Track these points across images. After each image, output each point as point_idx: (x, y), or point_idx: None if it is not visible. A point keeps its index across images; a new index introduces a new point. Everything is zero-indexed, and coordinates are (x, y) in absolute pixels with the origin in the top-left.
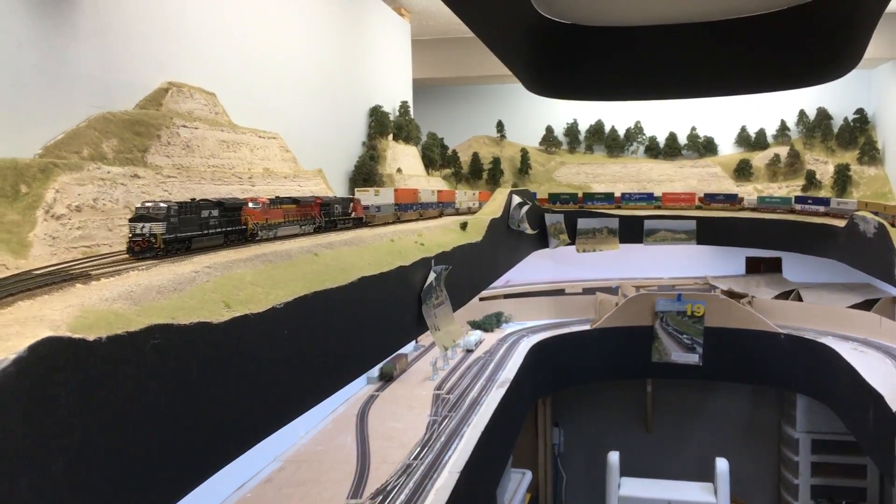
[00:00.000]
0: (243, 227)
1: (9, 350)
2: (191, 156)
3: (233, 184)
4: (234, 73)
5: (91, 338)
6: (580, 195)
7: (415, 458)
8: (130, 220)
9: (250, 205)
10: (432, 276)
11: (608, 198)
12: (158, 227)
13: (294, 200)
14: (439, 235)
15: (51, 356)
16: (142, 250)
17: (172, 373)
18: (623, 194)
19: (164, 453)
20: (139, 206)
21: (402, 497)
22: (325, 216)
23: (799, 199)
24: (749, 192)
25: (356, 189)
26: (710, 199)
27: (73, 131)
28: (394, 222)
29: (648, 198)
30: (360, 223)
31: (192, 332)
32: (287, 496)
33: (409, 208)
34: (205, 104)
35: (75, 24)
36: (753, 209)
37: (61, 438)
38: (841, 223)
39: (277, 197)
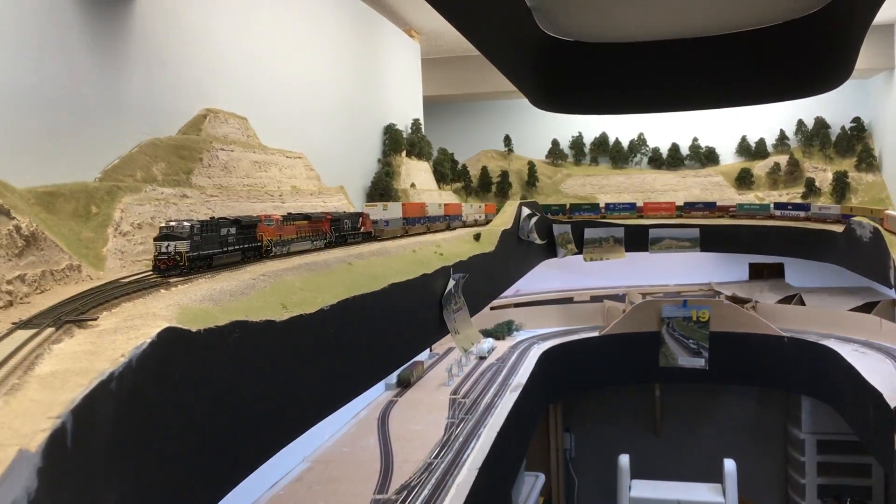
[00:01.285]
0: (258, 243)
1: (143, 336)
2: (228, 176)
3: (265, 201)
4: (263, 97)
5: (193, 329)
6: (568, 206)
7: (435, 457)
8: (156, 240)
9: (264, 222)
10: (451, 283)
11: (594, 208)
12: (183, 246)
13: (306, 216)
14: (456, 246)
15: (169, 341)
16: (167, 268)
17: (247, 361)
18: (607, 204)
19: (243, 425)
20: (163, 225)
21: (425, 493)
22: (336, 231)
23: (778, 206)
24: (750, 200)
25: (365, 204)
26: (689, 207)
27: (127, 156)
28: (402, 236)
29: (630, 207)
30: (368, 237)
31: (260, 328)
32: (317, 493)
33: (416, 222)
34: (238, 128)
35: (126, 60)
36: (733, 215)
37: (175, 403)
38: (839, 229)
39: (290, 213)
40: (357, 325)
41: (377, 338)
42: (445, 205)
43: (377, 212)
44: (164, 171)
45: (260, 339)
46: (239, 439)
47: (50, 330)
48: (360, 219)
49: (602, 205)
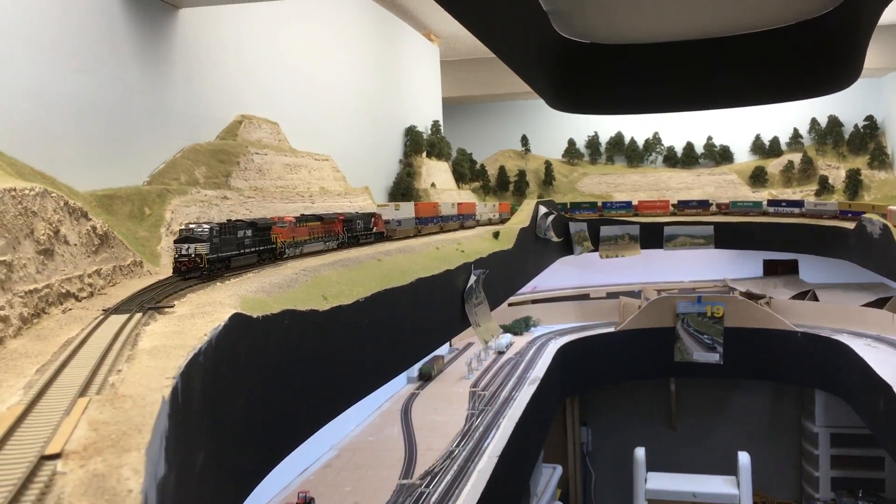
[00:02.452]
0: (273, 245)
1: (217, 320)
2: (263, 178)
3: (297, 202)
4: (293, 103)
5: (254, 315)
6: (568, 205)
7: (457, 446)
8: (176, 242)
9: (278, 224)
10: (472, 278)
11: (592, 206)
12: (203, 248)
13: (318, 218)
14: (476, 243)
15: (237, 325)
16: (188, 270)
17: (296, 345)
18: (604, 203)
19: (295, 398)
20: (182, 227)
21: (448, 478)
22: (348, 232)
23: (772, 203)
24: (765, 197)
25: (377, 204)
26: (683, 205)
27: (171, 161)
28: (415, 236)
29: (627, 206)
30: (381, 237)
31: (307, 316)
32: (346, 478)
33: (429, 221)
34: (270, 132)
35: (170, 70)
36: (726, 213)
37: (241, 376)
38: (851, 225)
39: (302, 215)
40: (388, 315)
41: (406, 328)
42: (459, 204)
43: (389, 212)
44: (206, 174)
45: (306, 326)
46: (293, 410)
47: (138, 315)
48: (373, 219)
49: (599, 204)
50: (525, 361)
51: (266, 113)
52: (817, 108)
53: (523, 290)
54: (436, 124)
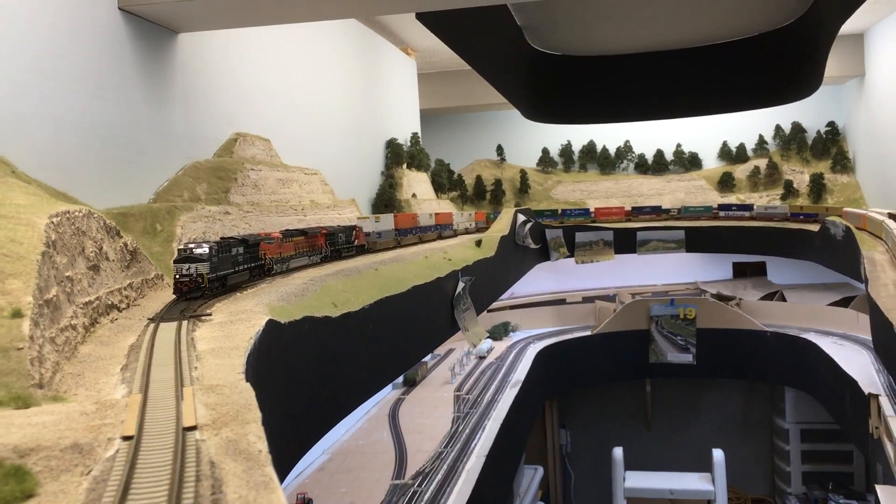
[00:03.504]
0: (262, 261)
1: (256, 325)
2: (258, 193)
3: (290, 215)
4: (282, 120)
5: (282, 321)
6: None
7: (445, 447)
8: (176, 262)
9: (265, 240)
10: (461, 286)
11: (553, 214)
12: (204, 268)
13: (302, 232)
14: (461, 252)
15: (271, 329)
16: (189, 290)
17: (314, 347)
18: (563, 210)
19: (316, 395)
20: (181, 247)
21: (439, 477)
22: (331, 245)
23: (722, 207)
24: (732, 202)
25: (357, 217)
26: (637, 211)
27: (174, 179)
28: (394, 247)
29: (585, 213)
30: (362, 250)
31: (322, 321)
32: (340, 480)
33: (408, 233)
34: (263, 149)
35: (171, 94)
36: (678, 217)
37: (275, 376)
38: (815, 228)
39: (287, 230)
40: (390, 320)
41: (406, 330)
42: (436, 214)
43: (370, 224)
44: (206, 190)
45: (322, 330)
46: (316, 403)
47: (184, 322)
48: (354, 232)
49: (559, 211)
50: (506, 365)
51: (258, 130)
52: (781, 115)
53: (502, 296)
54: (415, 136)
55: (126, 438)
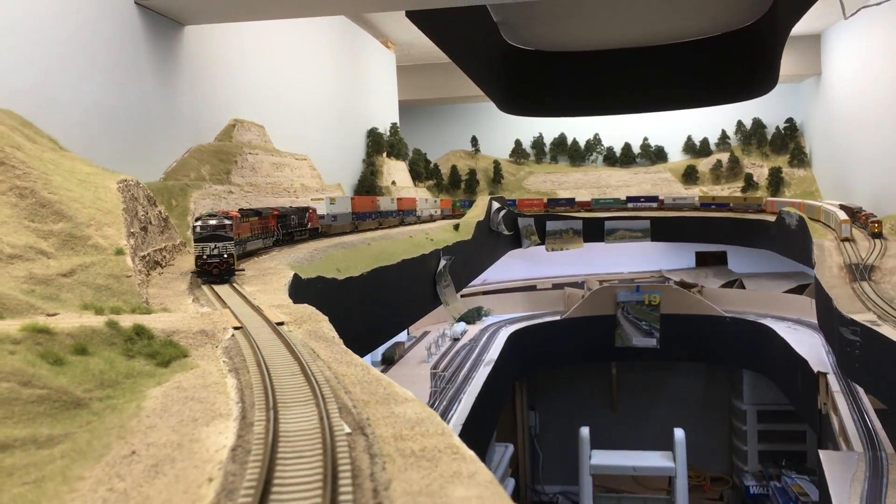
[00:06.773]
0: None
1: (286, 276)
2: (255, 175)
3: (284, 196)
4: (274, 107)
5: (302, 276)
6: None
7: None
8: (198, 241)
9: (225, 221)
10: (442, 263)
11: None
12: (231, 247)
13: (257, 213)
14: (441, 234)
15: (296, 282)
16: (220, 272)
17: (326, 303)
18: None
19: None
20: (199, 224)
21: None
22: (283, 228)
23: (631, 199)
24: (695, 193)
25: (311, 198)
26: (553, 203)
27: (182, 160)
28: (351, 231)
29: (511, 203)
30: (315, 234)
31: (330, 282)
32: None
33: (367, 217)
34: (258, 135)
35: (179, 82)
36: (589, 210)
37: None
38: (772, 218)
39: (242, 209)
40: (384, 287)
41: (396, 300)
42: (398, 199)
43: (324, 206)
44: (210, 171)
45: (331, 289)
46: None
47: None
48: (308, 214)
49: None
50: (479, 346)
51: (254, 117)
52: (742, 111)
53: (474, 282)
54: (394, 126)
55: (236, 328)
